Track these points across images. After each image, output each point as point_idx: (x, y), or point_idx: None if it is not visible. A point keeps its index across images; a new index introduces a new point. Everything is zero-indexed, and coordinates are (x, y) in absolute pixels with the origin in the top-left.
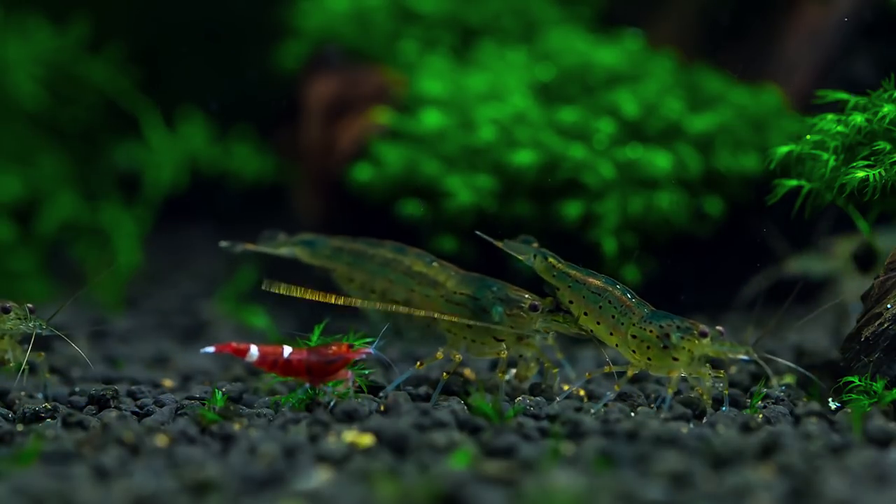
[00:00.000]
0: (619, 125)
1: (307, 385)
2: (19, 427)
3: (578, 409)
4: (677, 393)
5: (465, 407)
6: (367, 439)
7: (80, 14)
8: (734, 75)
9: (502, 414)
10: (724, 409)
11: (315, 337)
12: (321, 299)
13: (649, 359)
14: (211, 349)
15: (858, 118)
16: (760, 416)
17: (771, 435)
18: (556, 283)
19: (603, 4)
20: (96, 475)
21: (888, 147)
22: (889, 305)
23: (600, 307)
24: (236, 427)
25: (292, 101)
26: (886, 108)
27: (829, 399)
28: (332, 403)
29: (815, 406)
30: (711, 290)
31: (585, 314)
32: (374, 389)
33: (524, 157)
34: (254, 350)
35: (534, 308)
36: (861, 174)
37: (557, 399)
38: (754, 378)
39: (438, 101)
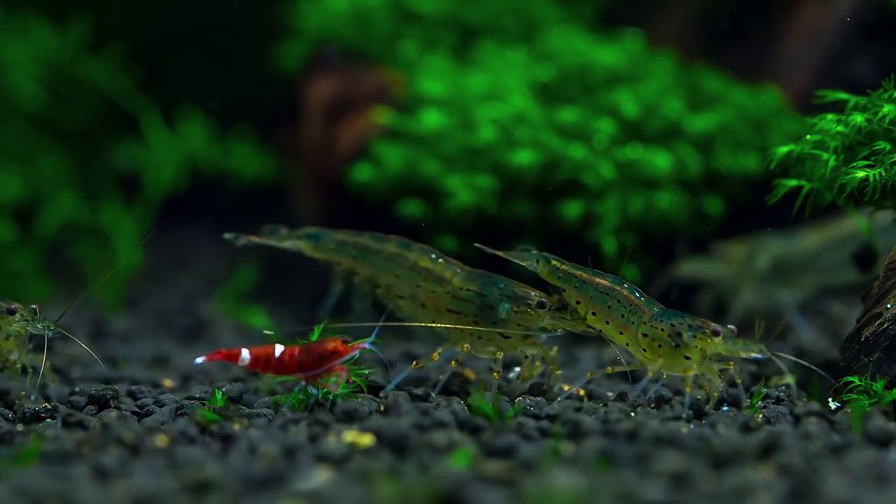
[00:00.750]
0: (619, 125)
1: (305, 384)
2: (19, 427)
3: (578, 409)
4: (677, 393)
5: (465, 407)
6: (367, 439)
7: (80, 14)
8: (738, 74)
9: (502, 414)
10: (724, 408)
11: (315, 337)
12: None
13: (661, 357)
14: (201, 359)
15: (858, 118)
16: (760, 416)
17: (771, 435)
18: (562, 285)
19: (603, 4)
20: (96, 475)
21: (888, 147)
22: (889, 305)
23: (609, 306)
24: (236, 427)
25: (292, 101)
26: (886, 108)
27: (829, 399)
28: (330, 398)
29: (815, 406)
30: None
31: (594, 314)
32: (374, 389)
33: (524, 157)
34: (245, 353)
35: (541, 305)
36: (861, 174)
37: (559, 399)
38: (754, 378)
39: (438, 101)
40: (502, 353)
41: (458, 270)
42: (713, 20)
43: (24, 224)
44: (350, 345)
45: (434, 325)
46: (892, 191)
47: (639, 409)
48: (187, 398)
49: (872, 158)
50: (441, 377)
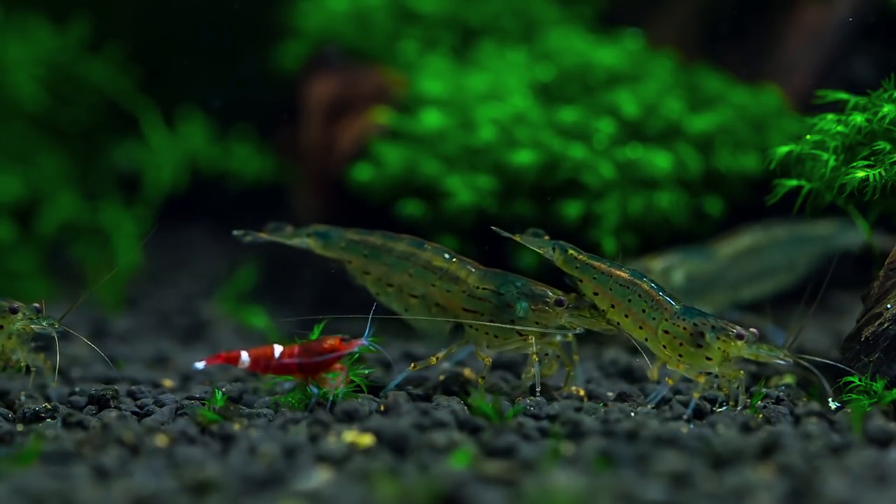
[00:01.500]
0: (619, 125)
1: (305, 385)
2: (19, 427)
3: (578, 409)
4: (677, 392)
5: (465, 407)
6: (367, 439)
7: (80, 14)
8: (738, 74)
9: (502, 414)
10: (723, 408)
11: (315, 336)
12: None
13: (680, 355)
14: (202, 364)
15: (858, 118)
16: (761, 416)
17: (771, 435)
18: (580, 275)
19: (603, 4)
20: (96, 475)
21: (888, 147)
22: (889, 305)
23: (629, 300)
24: (236, 427)
25: (292, 101)
26: (886, 108)
27: (829, 399)
28: (330, 398)
29: (815, 406)
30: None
31: (612, 306)
32: (375, 389)
33: (524, 157)
34: (244, 356)
35: (559, 303)
36: (861, 174)
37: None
38: (754, 378)
39: (438, 101)
40: (535, 352)
41: (473, 269)
42: (713, 20)
43: (24, 224)
44: (348, 342)
45: (429, 318)
46: (892, 191)
47: (639, 408)
48: (187, 398)
49: (872, 158)
50: (435, 392)
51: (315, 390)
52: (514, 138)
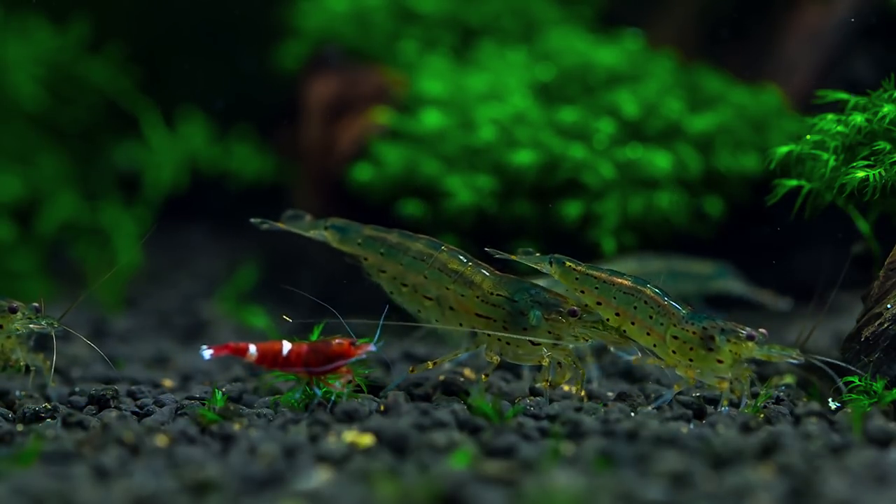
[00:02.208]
0: (619, 125)
1: (306, 385)
2: (19, 427)
3: (578, 409)
4: (678, 393)
5: (465, 407)
6: (367, 439)
7: (80, 14)
8: (738, 74)
9: (502, 414)
10: (723, 408)
11: (314, 336)
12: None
13: (691, 360)
14: (210, 352)
15: (858, 118)
16: (762, 415)
17: (771, 435)
18: (580, 287)
19: (603, 4)
20: (96, 475)
21: (888, 147)
22: (889, 305)
23: (635, 307)
24: (236, 427)
25: (292, 101)
26: (886, 108)
27: (829, 399)
28: (331, 400)
29: (815, 406)
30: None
31: (617, 315)
32: (375, 389)
33: (524, 157)
34: (252, 349)
35: (573, 314)
36: (861, 174)
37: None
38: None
39: (438, 101)
40: (548, 361)
41: (488, 274)
42: (713, 20)
43: (24, 224)
44: (357, 346)
45: (435, 325)
46: (892, 191)
47: (639, 409)
48: (187, 398)
49: (872, 158)
50: (436, 393)
51: (318, 392)
52: (514, 138)
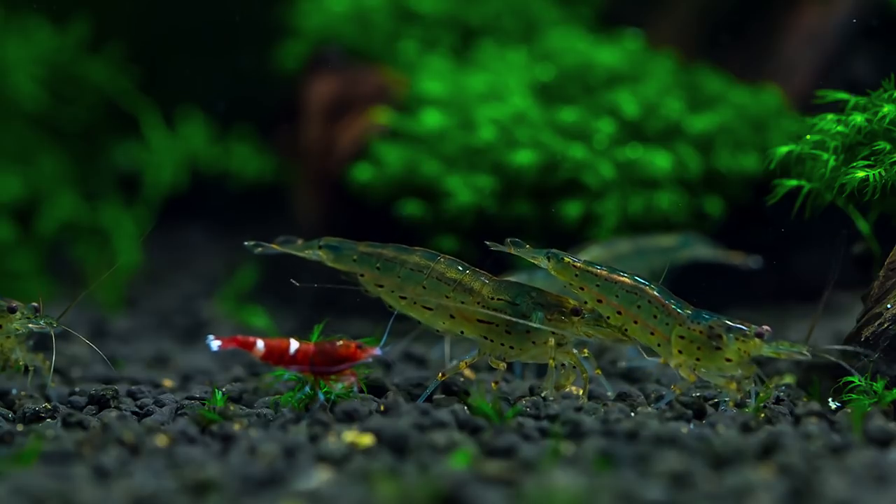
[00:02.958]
0: (619, 125)
1: (307, 386)
2: (19, 427)
3: (578, 409)
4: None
5: (465, 407)
6: (367, 439)
7: (80, 14)
8: (738, 74)
9: (502, 414)
10: (723, 409)
11: (314, 336)
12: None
13: (698, 359)
14: (217, 343)
15: (858, 118)
16: (763, 415)
17: (771, 435)
18: (580, 283)
19: (603, 4)
20: (96, 475)
21: (888, 147)
22: (889, 305)
23: (638, 307)
24: (236, 427)
25: (292, 101)
26: (886, 108)
27: (829, 399)
28: (332, 399)
29: (815, 406)
30: (711, 291)
31: (619, 313)
32: (375, 389)
33: (524, 157)
34: (260, 344)
35: (576, 312)
36: (861, 174)
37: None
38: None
39: (438, 101)
40: (553, 362)
41: (487, 280)
42: (713, 20)
43: (24, 224)
44: (363, 349)
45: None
46: (892, 191)
47: (639, 409)
48: (187, 398)
49: (872, 158)
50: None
51: (321, 395)
52: (514, 138)
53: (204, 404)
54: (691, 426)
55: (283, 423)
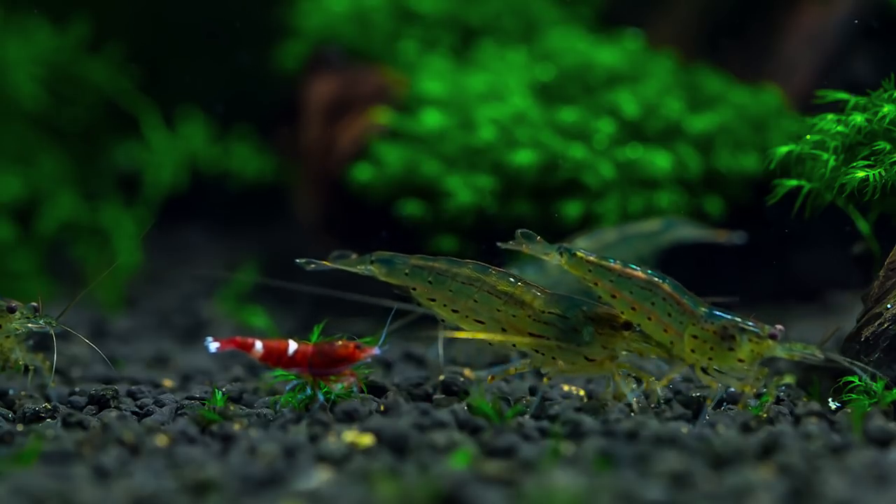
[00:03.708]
0: (619, 125)
1: (308, 388)
2: (19, 427)
3: (578, 410)
4: (678, 393)
5: (465, 407)
6: (367, 439)
7: (80, 14)
8: (738, 74)
9: (502, 414)
10: (723, 407)
11: (314, 337)
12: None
13: (710, 359)
14: (216, 345)
15: (858, 118)
16: (765, 415)
17: (771, 435)
18: (593, 279)
19: (603, 4)
20: (96, 475)
21: (888, 147)
22: (889, 305)
23: (652, 303)
24: (236, 427)
25: (292, 101)
26: (886, 108)
27: (829, 399)
28: (331, 399)
29: (815, 406)
30: (711, 291)
31: (633, 309)
32: (375, 389)
33: (524, 157)
34: (259, 345)
35: (627, 326)
36: (861, 174)
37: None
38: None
39: (438, 101)
40: (619, 376)
41: (538, 293)
42: (713, 20)
43: (24, 224)
44: (362, 349)
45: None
46: (892, 191)
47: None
48: (187, 398)
49: (872, 158)
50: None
51: (321, 397)
52: (514, 138)
53: (204, 404)
54: (691, 426)
55: (283, 423)
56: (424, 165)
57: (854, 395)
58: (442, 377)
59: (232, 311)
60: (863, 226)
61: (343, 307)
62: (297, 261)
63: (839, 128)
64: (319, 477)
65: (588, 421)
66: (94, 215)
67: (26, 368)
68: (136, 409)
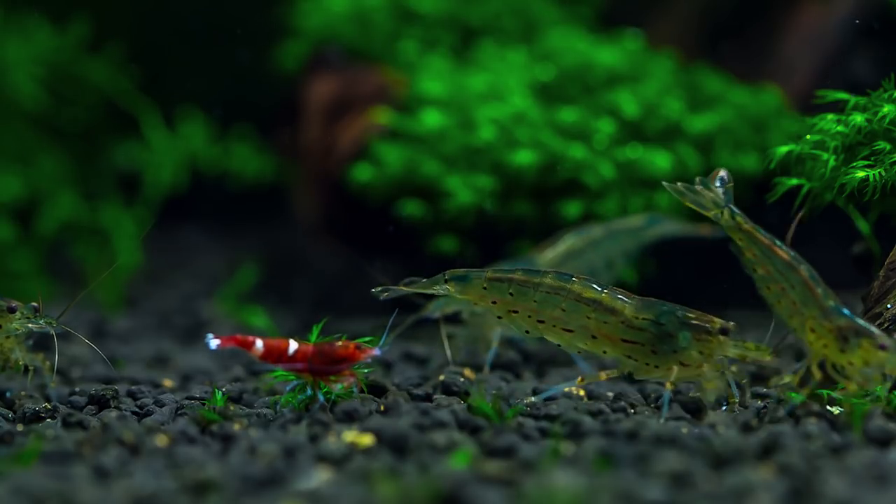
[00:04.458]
0: (619, 125)
1: (308, 388)
2: (19, 427)
3: (578, 409)
4: (677, 392)
5: (465, 407)
6: (367, 439)
7: (80, 14)
8: (738, 74)
9: (502, 414)
10: (723, 408)
11: (314, 337)
12: None
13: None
14: (216, 342)
15: (858, 118)
16: (757, 418)
17: (771, 435)
18: (744, 246)
19: (603, 4)
20: (96, 475)
21: (888, 147)
22: (889, 305)
23: (783, 288)
24: (236, 427)
25: (292, 101)
26: (886, 108)
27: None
28: (331, 399)
29: (815, 406)
30: (711, 292)
31: (768, 288)
32: (375, 389)
33: (524, 157)
34: (259, 343)
35: (723, 331)
36: (861, 174)
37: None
38: (755, 378)
39: (438, 101)
40: (713, 385)
41: (627, 299)
42: (713, 20)
43: (24, 224)
44: (362, 350)
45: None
46: (892, 191)
47: (638, 408)
48: (187, 398)
49: (872, 158)
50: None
51: (321, 397)
52: (514, 138)
53: (204, 404)
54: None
55: (283, 423)
56: (424, 165)
57: (842, 398)
58: (442, 377)
59: (232, 310)
60: (863, 226)
61: (343, 306)
62: (373, 290)
63: (839, 128)
64: (319, 477)
65: (588, 421)
66: (94, 215)
67: (26, 368)
68: (136, 409)
